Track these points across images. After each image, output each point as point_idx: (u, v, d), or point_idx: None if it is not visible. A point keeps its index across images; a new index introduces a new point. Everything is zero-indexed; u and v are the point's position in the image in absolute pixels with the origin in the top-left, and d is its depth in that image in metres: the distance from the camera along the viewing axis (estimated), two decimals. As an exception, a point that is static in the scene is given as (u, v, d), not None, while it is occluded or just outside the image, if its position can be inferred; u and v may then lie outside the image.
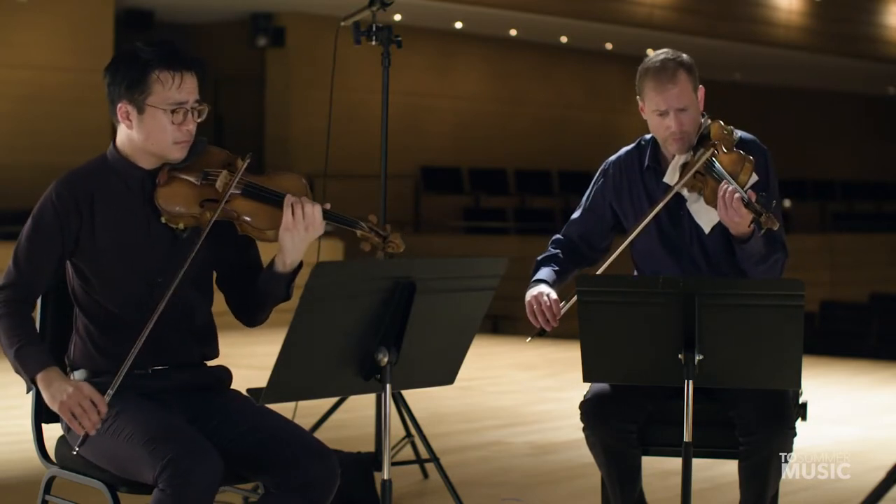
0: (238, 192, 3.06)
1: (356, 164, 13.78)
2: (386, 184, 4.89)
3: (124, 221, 3.07)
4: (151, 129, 3.05)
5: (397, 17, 14.27)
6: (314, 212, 3.05)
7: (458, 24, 16.57)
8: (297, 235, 3.04)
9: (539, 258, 3.81)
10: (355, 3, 4.82)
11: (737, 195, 3.40)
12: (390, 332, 2.78)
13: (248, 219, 3.06)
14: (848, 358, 9.98)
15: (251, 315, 3.22)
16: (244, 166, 3.07)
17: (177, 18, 15.40)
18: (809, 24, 18.80)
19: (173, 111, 3.03)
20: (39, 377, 2.92)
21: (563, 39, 17.78)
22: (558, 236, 3.87)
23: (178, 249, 3.07)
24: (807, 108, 22.71)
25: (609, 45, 18.20)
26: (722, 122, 3.66)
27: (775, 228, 3.40)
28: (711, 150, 3.55)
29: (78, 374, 3.09)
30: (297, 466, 2.95)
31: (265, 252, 3.19)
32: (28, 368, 2.94)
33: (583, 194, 3.89)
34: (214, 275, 3.24)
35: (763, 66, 19.68)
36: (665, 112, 3.58)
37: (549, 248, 3.84)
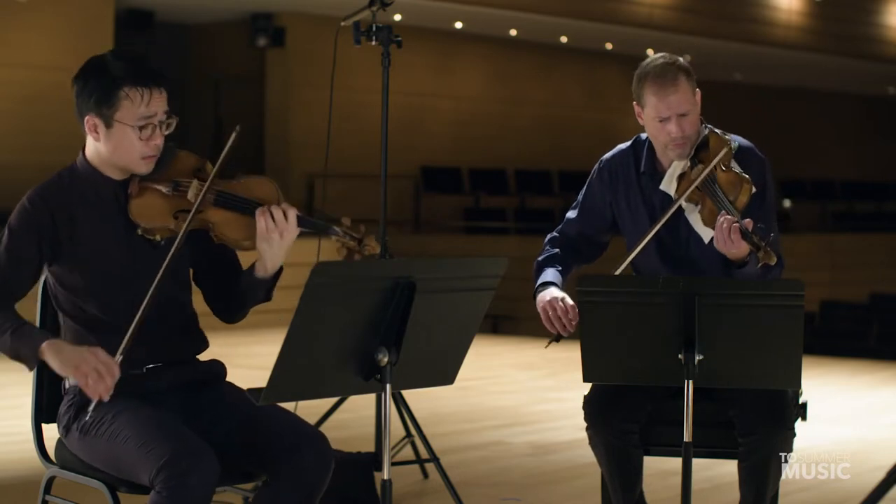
0: (210, 201, 3.06)
1: (356, 164, 13.78)
2: (386, 184, 4.89)
3: (103, 231, 3.08)
4: (118, 144, 3.05)
5: (397, 17, 14.27)
6: (288, 216, 3.03)
7: (458, 24, 16.57)
8: (274, 242, 3.04)
9: (539, 259, 3.77)
10: (355, 3, 4.82)
11: (735, 225, 3.35)
12: (390, 332, 2.78)
13: (222, 229, 3.06)
14: (848, 358, 9.98)
15: (230, 313, 3.24)
16: (215, 171, 3.05)
17: (177, 18, 15.41)
18: (809, 24, 18.79)
19: (141, 127, 3.03)
20: (45, 346, 2.88)
21: (563, 39, 17.78)
22: (555, 234, 3.83)
23: (157, 259, 3.06)
24: (807, 108, 22.71)
25: (609, 45, 18.20)
26: (720, 133, 3.61)
27: (772, 263, 3.34)
28: (708, 168, 3.50)
29: (72, 380, 3.07)
30: (291, 453, 2.96)
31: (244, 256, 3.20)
32: (31, 341, 2.90)
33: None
34: (191, 271, 3.24)
35: (763, 66, 19.68)
36: (667, 118, 3.55)
37: (547, 247, 3.80)
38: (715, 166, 3.50)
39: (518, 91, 18.10)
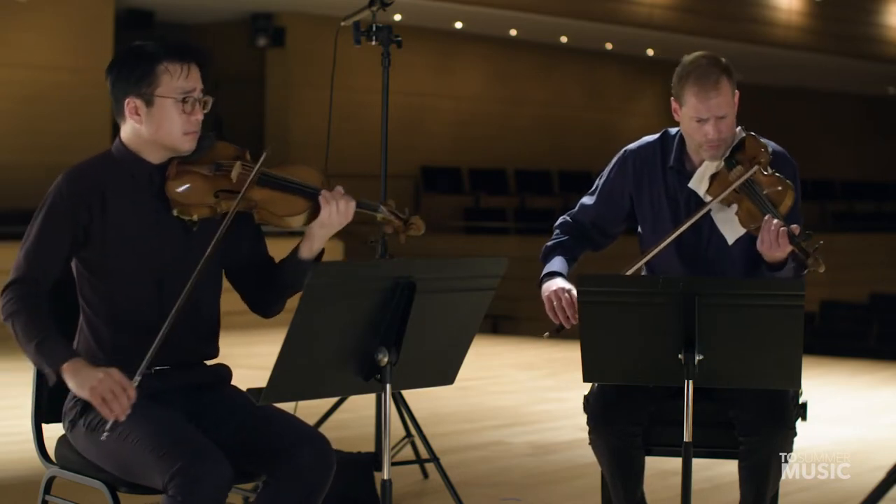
0: (255, 180, 3.08)
1: (356, 164, 13.77)
2: (386, 184, 4.89)
3: (134, 216, 3.07)
4: (161, 121, 3.06)
5: (397, 17, 14.27)
6: (350, 207, 3.11)
7: (458, 24, 16.57)
8: (333, 227, 3.11)
9: (549, 244, 3.74)
10: (355, 3, 4.82)
11: (783, 229, 3.35)
12: (390, 332, 2.78)
13: (268, 206, 3.08)
14: (848, 358, 9.98)
15: (269, 307, 3.23)
16: (264, 156, 3.08)
17: (177, 18, 15.41)
18: (809, 24, 18.80)
19: (183, 100, 3.05)
20: (65, 367, 2.88)
21: (563, 39, 17.79)
22: (567, 219, 3.80)
23: (189, 243, 3.08)
24: (807, 108, 22.71)
25: (609, 45, 18.21)
26: (755, 135, 3.59)
27: (821, 271, 3.34)
28: (751, 170, 3.48)
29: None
30: (291, 454, 2.96)
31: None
32: (52, 359, 2.90)
33: (582, 194, 3.84)
34: (223, 272, 3.23)
35: (763, 66, 19.68)
36: (705, 120, 3.52)
37: (557, 231, 3.77)
38: (754, 170, 3.48)
39: (518, 91, 18.10)
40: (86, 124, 13.02)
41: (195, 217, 3.06)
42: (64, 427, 3.13)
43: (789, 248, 3.36)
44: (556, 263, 3.66)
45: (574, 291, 3.51)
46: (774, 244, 3.36)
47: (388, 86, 4.82)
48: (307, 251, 3.14)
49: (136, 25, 14.49)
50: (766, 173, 3.50)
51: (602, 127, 18.86)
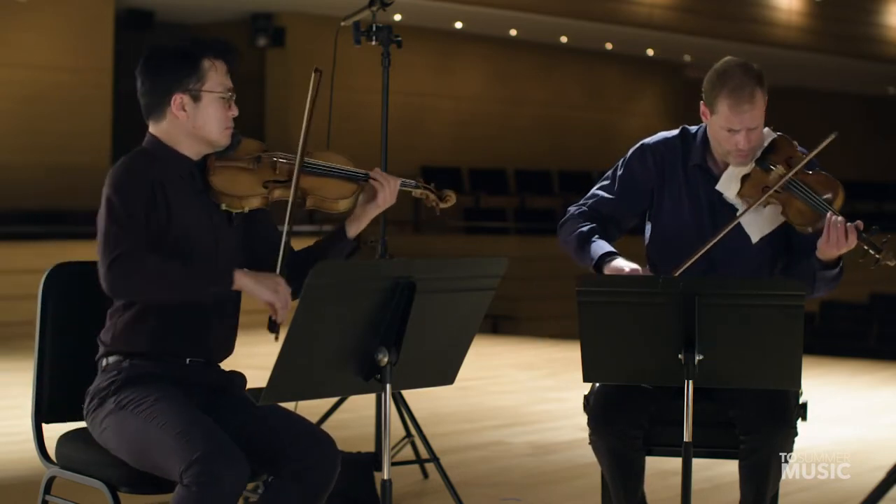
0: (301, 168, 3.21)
1: (356, 164, 13.76)
2: (386, 184, 4.88)
3: (186, 210, 3.10)
4: (207, 116, 3.11)
5: (397, 17, 14.27)
6: (397, 185, 3.32)
7: (458, 24, 16.57)
8: (383, 207, 3.30)
9: (582, 230, 3.63)
10: (355, 3, 4.83)
11: (850, 225, 3.34)
12: (390, 332, 2.79)
13: (320, 192, 3.21)
14: (848, 358, 9.99)
15: (298, 292, 3.27)
16: (313, 105, 3.23)
17: (177, 18, 15.40)
18: (809, 24, 18.79)
19: (228, 96, 3.13)
20: (239, 274, 3.00)
21: (563, 39, 17.78)
22: (584, 209, 3.72)
23: (234, 236, 3.17)
24: (807, 108, 22.71)
25: (609, 45, 18.20)
26: (785, 136, 3.57)
27: (892, 264, 3.34)
28: (794, 169, 3.46)
29: (112, 360, 3.09)
30: (295, 453, 2.98)
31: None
32: (218, 274, 3.01)
33: (583, 194, 3.82)
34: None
35: (763, 66, 19.62)
36: (737, 130, 3.49)
37: (579, 219, 3.68)
38: (798, 169, 3.47)
39: (518, 91, 18.10)
40: (86, 124, 13.01)
41: (246, 208, 3.15)
42: (86, 408, 3.11)
43: (855, 243, 3.35)
44: (606, 245, 3.59)
45: (640, 269, 3.48)
46: (842, 240, 3.36)
47: (388, 86, 4.82)
48: (354, 230, 3.30)
49: (136, 25, 14.49)
50: (810, 172, 3.50)
51: (602, 127, 18.85)
